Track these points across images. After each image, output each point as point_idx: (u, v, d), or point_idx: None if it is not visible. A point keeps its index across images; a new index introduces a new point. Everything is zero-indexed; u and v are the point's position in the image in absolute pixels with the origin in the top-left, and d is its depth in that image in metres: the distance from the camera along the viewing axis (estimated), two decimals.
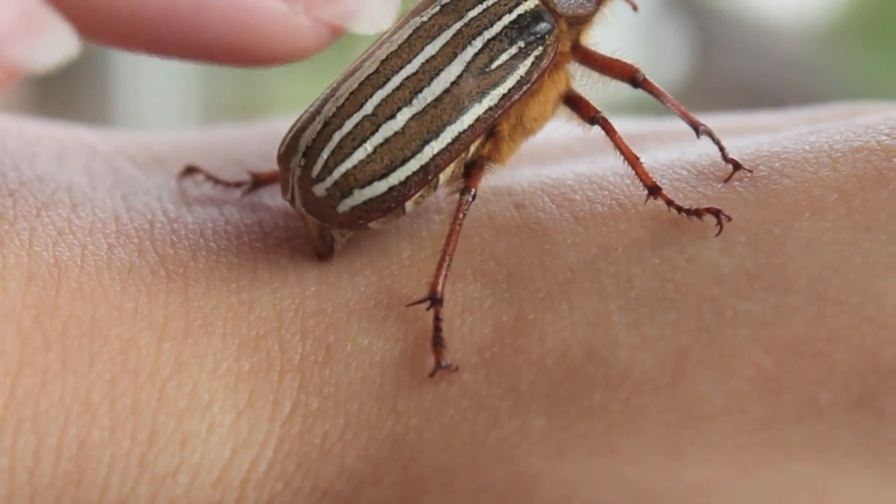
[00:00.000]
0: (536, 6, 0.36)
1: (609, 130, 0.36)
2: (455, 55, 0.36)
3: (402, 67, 0.36)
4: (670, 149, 0.39)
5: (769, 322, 0.31)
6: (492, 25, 0.36)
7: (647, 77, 0.37)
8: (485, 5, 0.36)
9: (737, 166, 0.35)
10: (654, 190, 0.35)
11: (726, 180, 0.35)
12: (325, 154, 0.36)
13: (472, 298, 0.34)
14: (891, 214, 0.33)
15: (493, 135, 0.37)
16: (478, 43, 0.36)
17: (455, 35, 0.36)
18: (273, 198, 0.39)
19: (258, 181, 0.39)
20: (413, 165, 0.35)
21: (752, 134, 0.39)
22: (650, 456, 0.30)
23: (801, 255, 0.32)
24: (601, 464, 0.30)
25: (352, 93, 0.36)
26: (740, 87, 1.73)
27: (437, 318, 0.33)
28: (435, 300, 0.34)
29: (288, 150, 0.37)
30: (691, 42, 1.79)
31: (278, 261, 0.36)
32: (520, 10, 0.36)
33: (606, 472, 0.30)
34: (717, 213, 0.34)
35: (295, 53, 0.32)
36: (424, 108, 0.35)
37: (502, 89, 0.36)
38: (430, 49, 0.36)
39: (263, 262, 0.36)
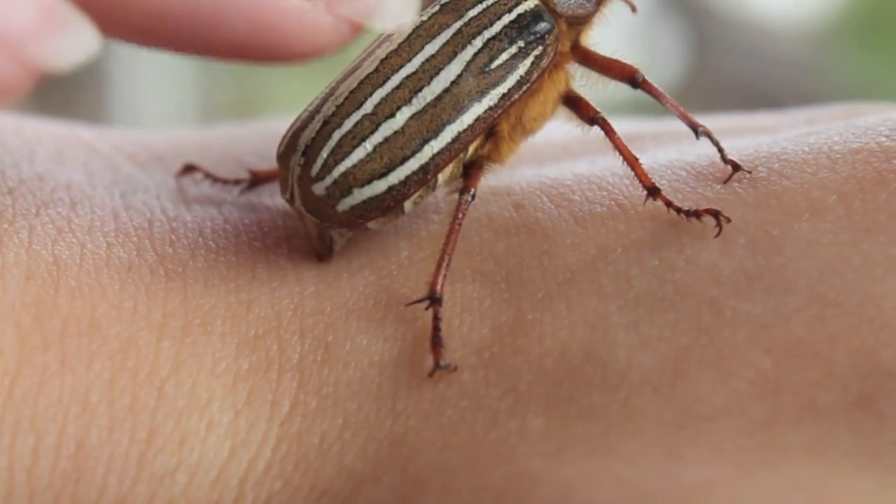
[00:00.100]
0: (536, 6, 0.36)
1: (608, 131, 0.36)
2: (455, 54, 0.36)
3: (401, 66, 0.36)
4: (669, 149, 0.39)
5: (768, 323, 0.31)
6: (492, 25, 0.36)
7: (647, 78, 0.37)
8: (485, 5, 0.36)
9: (736, 167, 0.35)
10: (653, 191, 0.35)
11: (725, 181, 0.35)
12: (324, 153, 0.36)
13: (470, 298, 0.34)
14: (890, 216, 0.33)
15: (492, 134, 0.37)
16: (478, 42, 0.36)
17: (455, 34, 0.36)
18: (272, 197, 0.39)
19: (256, 179, 0.39)
20: (412, 165, 0.35)
21: (750, 135, 0.39)
22: (649, 456, 0.30)
23: (801, 256, 0.32)
24: (600, 464, 0.30)
25: (351, 91, 0.36)
26: (738, 87, 1.73)
27: (435, 318, 0.33)
28: (434, 300, 0.34)
29: (287, 148, 0.37)
30: (689, 43, 1.79)
31: (277, 260, 0.36)
32: (520, 9, 0.36)
33: (605, 472, 0.30)
34: (716, 214, 0.34)
35: (315, 50, 0.32)
36: (424, 108, 0.35)
37: (502, 89, 0.36)
38: (430, 48, 0.36)
39: (262, 261, 0.36)
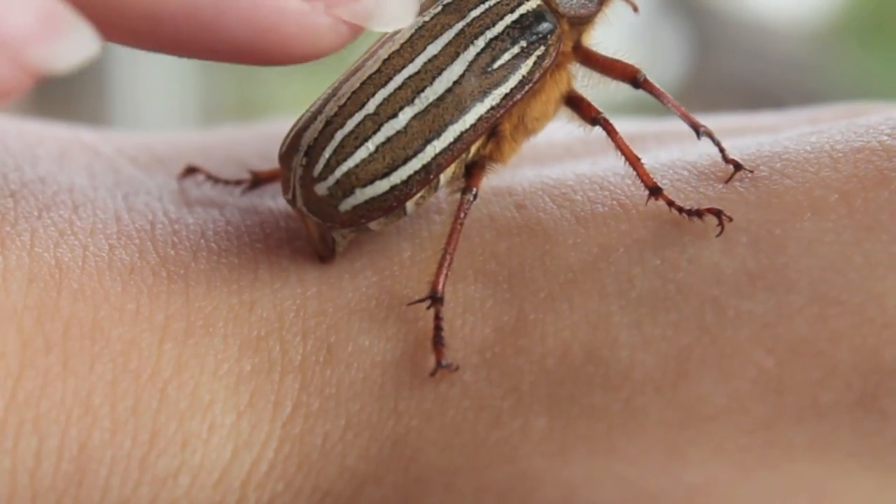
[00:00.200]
0: (539, 6, 0.36)
1: (610, 131, 0.36)
2: (457, 55, 0.36)
3: (404, 67, 0.36)
4: (671, 149, 0.39)
5: (771, 322, 0.31)
6: (494, 25, 0.36)
7: (648, 78, 0.37)
8: (487, 5, 0.36)
9: (737, 167, 0.35)
10: (655, 191, 0.35)
11: (727, 181, 0.35)
12: (326, 153, 0.36)
13: (473, 299, 0.34)
14: (892, 214, 0.33)
15: (494, 134, 0.37)
16: (480, 42, 0.36)
17: (457, 34, 0.36)
18: (274, 199, 0.39)
19: (258, 180, 0.39)
20: (415, 164, 0.35)
21: (752, 134, 0.39)
22: (651, 456, 0.30)
23: (803, 255, 0.32)
24: (602, 464, 0.30)
25: (354, 92, 0.36)
26: (739, 87, 1.73)
27: (437, 318, 0.33)
28: (435, 299, 0.34)
29: (289, 149, 0.37)
30: (690, 42, 1.79)
31: (279, 262, 0.36)
32: (522, 9, 0.36)
33: (607, 472, 0.30)
34: (718, 213, 0.34)
35: (314, 52, 0.32)
36: (426, 108, 0.35)
37: (504, 89, 0.36)
38: (433, 48, 0.36)
39: (265, 262, 0.36)
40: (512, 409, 0.32)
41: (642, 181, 0.35)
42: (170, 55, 0.32)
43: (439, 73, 0.36)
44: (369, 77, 0.36)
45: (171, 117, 1.61)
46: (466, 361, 0.33)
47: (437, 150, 0.35)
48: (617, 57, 0.38)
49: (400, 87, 0.36)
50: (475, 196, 0.36)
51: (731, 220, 0.34)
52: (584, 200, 0.36)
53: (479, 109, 0.36)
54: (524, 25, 0.36)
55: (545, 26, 0.36)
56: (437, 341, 0.33)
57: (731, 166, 0.36)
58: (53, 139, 0.40)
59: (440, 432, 0.32)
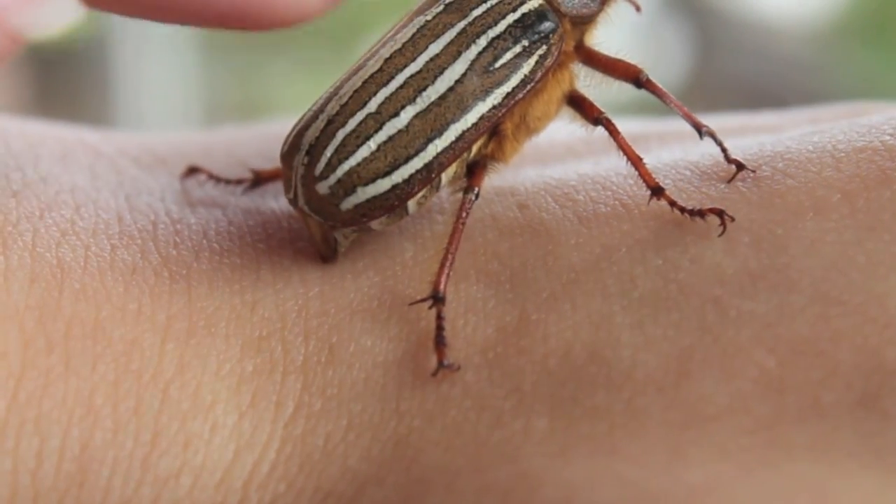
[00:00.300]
0: (541, 5, 0.36)
1: (612, 131, 0.36)
2: (459, 54, 0.36)
3: (406, 66, 0.36)
4: (673, 149, 0.39)
5: (772, 322, 0.31)
6: (496, 24, 0.36)
7: (651, 78, 0.37)
8: (489, 4, 0.36)
9: (740, 167, 0.35)
10: (657, 191, 0.35)
11: (729, 180, 0.35)
12: (328, 152, 0.36)
13: (475, 299, 0.34)
14: (894, 214, 0.33)
15: (496, 134, 0.37)
16: (482, 41, 0.36)
17: (459, 34, 0.36)
18: (276, 199, 0.39)
19: (259, 178, 0.39)
20: (416, 163, 0.35)
21: (753, 134, 0.39)
22: (652, 456, 0.30)
23: (805, 255, 0.32)
24: (603, 464, 0.30)
25: (355, 91, 0.36)
26: (741, 87, 1.73)
27: (439, 318, 0.33)
28: (437, 299, 0.34)
29: (291, 148, 0.37)
30: (692, 42, 1.79)
31: (281, 262, 0.36)
32: (524, 8, 0.36)
33: (609, 472, 0.30)
34: (720, 213, 0.34)
35: (301, 16, 0.32)
36: (428, 107, 0.35)
37: (506, 88, 0.36)
38: (435, 48, 0.36)
39: (266, 263, 0.36)
40: (514, 410, 0.32)
41: (644, 181, 0.35)
42: (155, 21, 0.32)
43: (441, 72, 0.36)
44: (371, 76, 0.36)
45: (174, 118, 1.61)
46: (468, 361, 0.33)
47: (439, 149, 0.35)
48: (619, 57, 0.38)
49: (402, 86, 0.36)
50: (477, 195, 0.36)
51: (733, 220, 0.34)
52: (586, 200, 0.36)
53: (481, 108, 0.36)
54: (526, 24, 0.36)
55: (547, 25, 0.36)
56: (439, 341, 0.33)
57: (733, 166, 0.36)
58: (55, 139, 0.40)
59: (442, 433, 0.32)
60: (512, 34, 0.36)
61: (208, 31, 0.33)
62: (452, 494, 0.31)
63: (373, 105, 0.36)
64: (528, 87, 0.36)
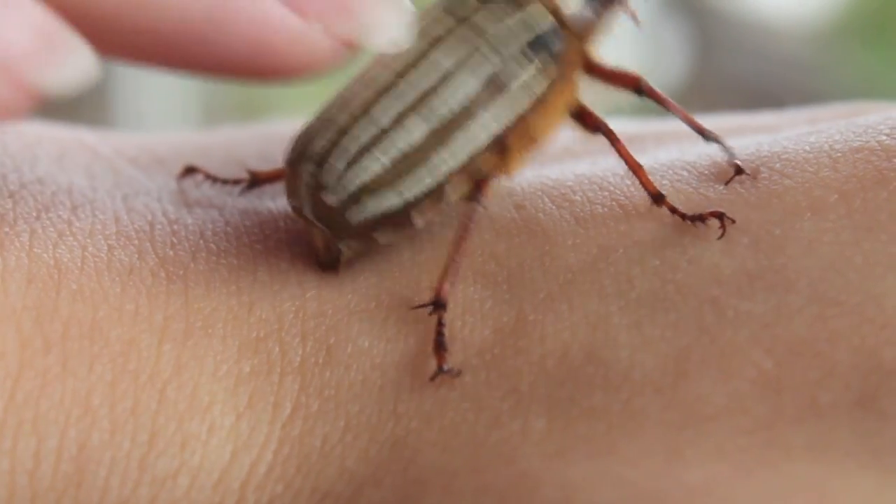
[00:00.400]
0: (548, 20, 0.36)
1: (613, 139, 0.36)
2: (471, 70, 0.36)
3: (417, 80, 0.36)
4: (670, 149, 0.39)
5: (770, 323, 0.31)
6: (506, 39, 0.36)
7: (651, 84, 0.37)
8: (499, 18, 0.36)
9: (738, 170, 0.35)
10: (658, 198, 0.35)
11: (727, 182, 0.35)
12: (338, 164, 0.35)
13: (472, 300, 0.34)
14: (891, 215, 0.33)
15: (502, 148, 0.36)
16: (494, 58, 0.36)
17: (470, 47, 0.36)
18: (274, 200, 0.39)
19: (257, 179, 0.39)
20: (426, 179, 0.35)
21: (751, 134, 0.39)
22: (650, 457, 0.30)
23: (802, 255, 0.32)
24: (601, 465, 0.30)
25: (367, 103, 0.36)
26: (740, 87, 1.73)
27: (439, 324, 0.33)
28: (439, 305, 0.34)
29: (298, 156, 0.36)
30: (691, 42, 1.79)
31: (279, 263, 0.36)
32: (532, 23, 0.36)
33: (607, 473, 0.30)
34: (720, 216, 0.34)
35: (312, 70, 0.32)
36: (439, 122, 0.35)
37: (515, 104, 0.36)
38: (446, 62, 0.36)
39: (264, 264, 0.36)
40: (511, 410, 0.32)
41: (645, 188, 0.35)
42: (169, 72, 0.32)
43: (450, 85, 0.36)
44: (382, 88, 0.36)
45: (173, 118, 1.61)
46: (466, 363, 0.33)
47: (448, 164, 0.35)
48: (619, 66, 0.38)
49: (413, 100, 0.35)
50: (483, 205, 0.35)
51: (733, 222, 0.34)
52: (583, 201, 0.36)
53: (491, 124, 0.36)
54: (537, 42, 0.36)
55: (557, 42, 0.36)
56: (439, 346, 0.33)
57: (731, 168, 0.36)
58: (52, 140, 0.40)
59: (439, 434, 0.32)
60: (523, 51, 0.36)
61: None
62: (450, 495, 0.31)
63: (383, 118, 0.35)
64: (535, 101, 0.36)
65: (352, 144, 0.35)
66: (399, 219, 0.35)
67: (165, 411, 0.33)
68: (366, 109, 0.36)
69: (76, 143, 0.41)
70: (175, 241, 0.36)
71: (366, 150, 0.35)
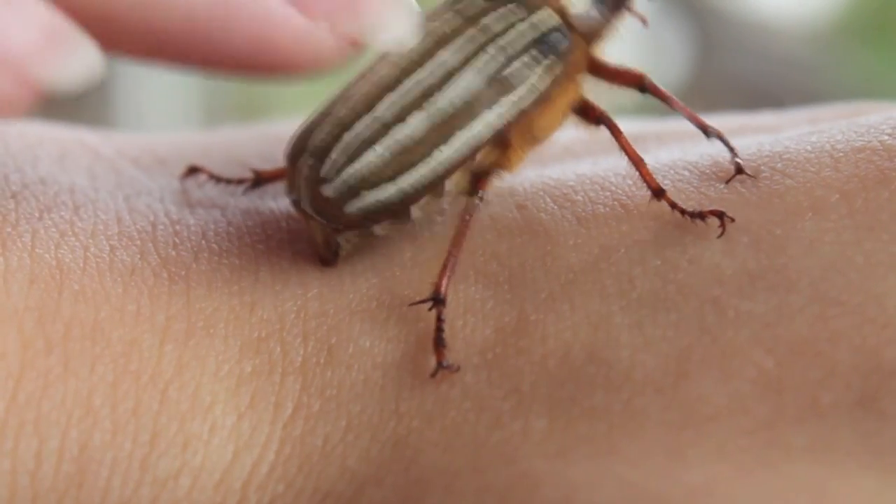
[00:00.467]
0: (553, 18, 0.36)
1: (614, 131, 0.36)
2: (470, 63, 0.36)
3: (416, 72, 0.36)
4: (672, 149, 0.39)
5: (771, 322, 0.31)
6: (507, 34, 0.36)
7: (654, 82, 0.37)
8: (502, 14, 0.36)
9: (739, 169, 0.35)
10: (658, 193, 0.35)
11: (728, 181, 0.35)
12: (335, 155, 0.35)
13: (473, 300, 0.34)
14: (892, 214, 0.33)
15: (502, 143, 0.37)
16: (493, 51, 0.36)
17: (471, 43, 0.36)
18: (276, 200, 0.39)
19: (259, 179, 0.39)
20: (423, 170, 0.35)
21: (752, 134, 0.39)
22: (651, 457, 0.30)
23: (803, 255, 0.32)
24: (602, 465, 0.30)
25: (364, 95, 0.36)
26: (741, 86, 1.73)
27: (439, 319, 0.33)
28: (438, 301, 0.34)
29: (296, 149, 0.36)
30: (692, 42, 1.79)
31: (280, 263, 0.36)
32: (536, 20, 0.36)
33: (607, 473, 0.30)
34: (720, 215, 0.34)
35: (316, 67, 0.32)
36: (437, 114, 0.35)
37: (515, 98, 0.36)
38: (446, 55, 0.36)
39: (265, 264, 0.36)
40: (513, 410, 0.32)
41: (646, 183, 0.35)
42: (173, 69, 0.32)
43: (451, 80, 0.36)
44: (381, 80, 0.36)
45: (174, 118, 1.61)
46: (467, 362, 0.33)
47: (446, 157, 0.35)
48: (622, 64, 0.38)
49: (411, 92, 0.36)
50: (482, 199, 0.36)
51: (733, 221, 0.34)
52: (585, 201, 0.36)
53: (490, 119, 0.36)
54: (538, 36, 0.36)
55: (559, 38, 0.36)
56: (439, 342, 0.33)
57: (732, 167, 0.36)
58: (54, 140, 0.40)
59: (441, 433, 0.32)
60: (524, 45, 0.36)
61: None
62: (451, 495, 0.31)
63: (381, 110, 0.36)
64: (538, 98, 0.36)
65: (351, 138, 0.35)
66: (397, 211, 0.35)
67: (167, 411, 0.33)
68: (367, 104, 0.36)
69: (78, 143, 0.41)
70: (177, 241, 0.36)
71: (365, 142, 0.35)
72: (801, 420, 0.30)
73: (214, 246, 0.36)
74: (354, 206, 0.35)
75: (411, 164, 0.35)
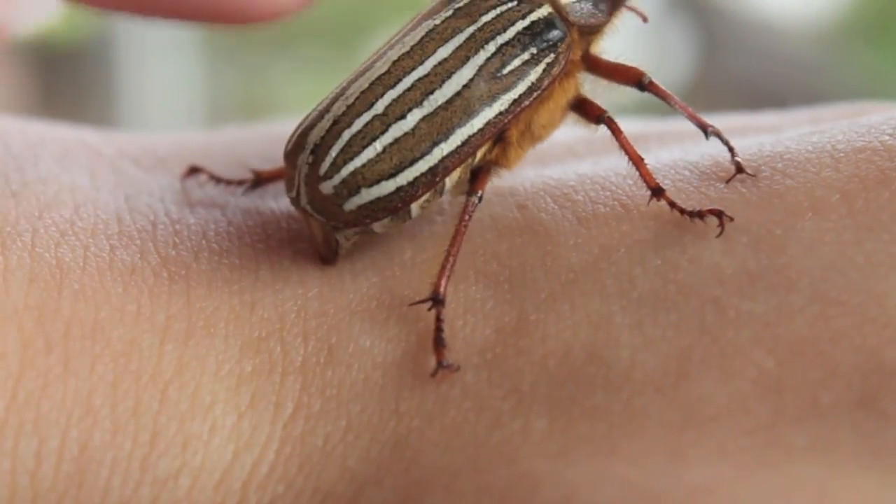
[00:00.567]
0: (550, 14, 0.36)
1: (615, 130, 0.36)
2: (467, 59, 0.36)
3: (413, 69, 0.36)
4: (672, 149, 0.39)
5: (771, 322, 0.31)
6: (505, 31, 0.36)
7: (654, 80, 0.37)
8: (498, 10, 0.36)
9: (740, 168, 0.35)
10: (657, 191, 0.35)
11: (728, 181, 0.35)
12: (333, 152, 0.36)
13: (474, 299, 0.34)
14: (893, 214, 0.33)
15: (501, 140, 0.37)
16: (490, 48, 0.36)
17: (468, 39, 0.36)
18: (276, 200, 0.39)
19: (260, 179, 0.39)
20: (421, 166, 0.35)
21: (754, 134, 0.39)
22: (651, 457, 0.30)
23: (804, 255, 0.32)
24: (603, 465, 0.30)
25: (362, 92, 0.36)
26: (743, 87, 1.73)
27: (438, 319, 0.33)
28: (437, 301, 0.34)
29: (295, 147, 0.36)
30: (695, 42, 1.79)
31: (280, 262, 0.36)
32: (533, 16, 0.36)
33: (608, 473, 0.30)
34: (719, 214, 0.34)
35: (278, 11, 0.32)
36: (435, 110, 0.35)
37: (513, 95, 0.36)
38: (443, 52, 0.36)
39: (266, 263, 0.36)
40: (513, 410, 0.32)
41: (645, 182, 0.35)
42: (135, 16, 0.32)
43: (449, 77, 0.36)
44: (378, 77, 0.36)
45: (177, 118, 1.61)
46: (467, 362, 0.33)
47: (445, 153, 0.35)
48: (621, 61, 0.38)
49: (409, 89, 0.36)
50: (480, 198, 0.36)
51: (732, 220, 0.34)
52: (585, 201, 0.36)
53: (488, 114, 0.36)
54: (535, 32, 0.36)
55: (556, 34, 0.36)
56: (438, 342, 0.33)
57: (732, 166, 0.36)
58: (55, 140, 0.40)
59: (441, 433, 0.32)
60: (521, 41, 0.36)
61: (211, 31, 0.34)
62: (451, 495, 0.31)
63: (379, 106, 0.36)
64: (535, 94, 0.36)
65: (346, 132, 0.36)
66: (395, 206, 0.35)
67: (167, 411, 0.33)
68: (360, 98, 0.36)
69: (78, 143, 0.41)
70: (177, 240, 0.36)
71: (360, 136, 0.35)
72: (801, 420, 0.30)
73: (215, 245, 0.36)
74: (353, 204, 0.35)
75: (411, 161, 0.35)
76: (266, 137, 0.42)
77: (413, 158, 0.35)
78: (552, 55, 0.36)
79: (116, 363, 0.33)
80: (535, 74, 0.36)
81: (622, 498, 0.29)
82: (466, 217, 0.35)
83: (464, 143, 0.36)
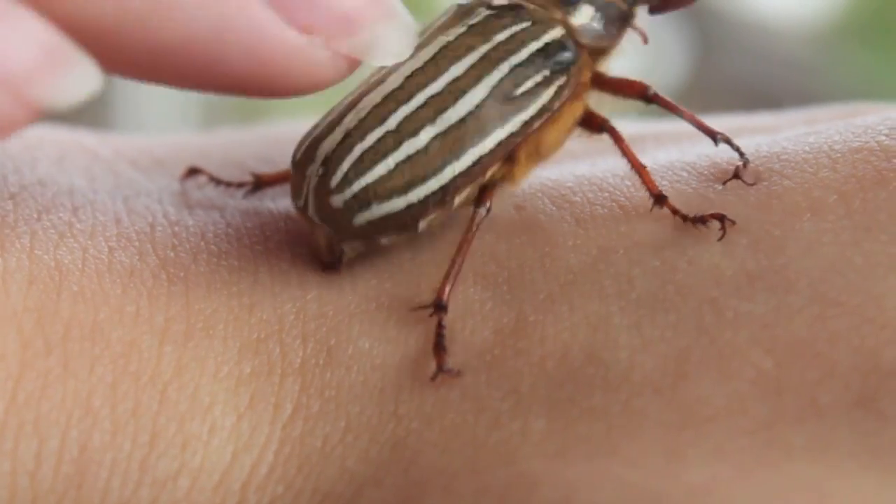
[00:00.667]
0: (563, 36, 0.36)
1: (617, 138, 0.36)
2: (481, 78, 0.36)
3: (427, 85, 0.36)
4: (669, 150, 0.39)
5: (770, 323, 0.31)
6: (518, 51, 0.36)
7: (658, 91, 0.37)
8: (512, 30, 0.36)
9: (738, 172, 0.35)
10: (660, 199, 0.35)
11: (725, 182, 0.35)
12: (345, 166, 0.35)
13: (472, 301, 0.34)
14: (891, 215, 0.33)
15: (509, 159, 0.36)
16: (504, 68, 0.36)
17: (481, 58, 0.36)
18: (275, 201, 0.39)
19: (260, 182, 0.39)
20: (433, 185, 0.35)
21: (750, 135, 0.39)
22: (650, 458, 0.30)
23: (802, 256, 0.32)
24: (601, 465, 0.30)
25: (375, 106, 0.36)
26: (739, 88, 1.73)
27: (440, 325, 0.33)
28: (440, 307, 0.34)
29: (305, 157, 0.36)
30: (690, 43, 1.79)
31: (280, 264, 0.36)
32: (547, 38, 0.36)
33: (607, 473, 0.30)
34: (721, 218, 0.34)
35: (314, 85, 0.32)
36: (448, 129, 0.35)
37: (525, 116, 0.36)
38: (456, 70, 0.36)
39: (265, 265, 0.36)
40: (511, 411, 0.32)
41: (647, 189, 0.35)
42: (170, 87, 0.32)
43: (462, 95, 0.35)
44: (391, 92, 0.36)
45: (173, 120, 1.61)
46: (466, 364, 0.33)
47: (456, 172, 0.35)
48: (626, 76, 0.38)
49: (422, 106, 0.35)
50: (488, 210, 0.35)
51: (734, 223, 0.34)
52: (583, 202, 0.36)
53: (500, 134, 0.36)
54: (548, 53, 0.36)
55: (568, 56, 0.36)
56: (439, 347, 0.33)
57: (731, 167, 0.36)
58: (52, 142, 0.40)
59: (440, 434, 0.32)
60: (534, 62, 0.36)
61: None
62: (450, 496, 0.31)
63: (392, 123, 0.35)
64: (546, 115, 0.36)
65: (358, 147, 0.35)
66: (404, 222, 0.35)
67: (166, 412, 0.33)
68: (373, 112, 0.36)
69: (76, 145, 0.41)
70: (176, 242, 0.36)
71: (371, 152, 0.35)
72: (800, 420, 0.30)
73: (213, 247, 0.36)
74: (363, 218, 0.35)
75: (422, 179, 0.35)
76: (264, 139, 0.42)
77: (425, 176, 0.35)
78: (564, 77, 0.36)
79: (116, 364, 0.33)
80: (546, 96, 0.36)
81: (621, 498, 0.29)
82: (474, 228, 0.35)
83: (475, 163, 0.35)
